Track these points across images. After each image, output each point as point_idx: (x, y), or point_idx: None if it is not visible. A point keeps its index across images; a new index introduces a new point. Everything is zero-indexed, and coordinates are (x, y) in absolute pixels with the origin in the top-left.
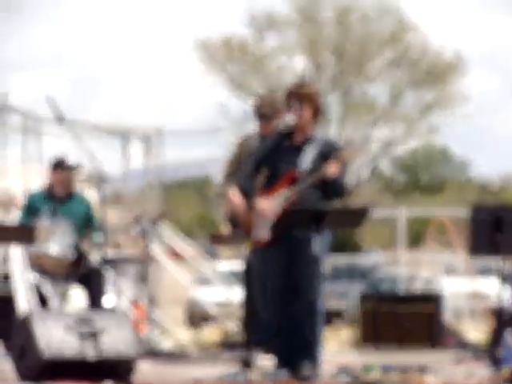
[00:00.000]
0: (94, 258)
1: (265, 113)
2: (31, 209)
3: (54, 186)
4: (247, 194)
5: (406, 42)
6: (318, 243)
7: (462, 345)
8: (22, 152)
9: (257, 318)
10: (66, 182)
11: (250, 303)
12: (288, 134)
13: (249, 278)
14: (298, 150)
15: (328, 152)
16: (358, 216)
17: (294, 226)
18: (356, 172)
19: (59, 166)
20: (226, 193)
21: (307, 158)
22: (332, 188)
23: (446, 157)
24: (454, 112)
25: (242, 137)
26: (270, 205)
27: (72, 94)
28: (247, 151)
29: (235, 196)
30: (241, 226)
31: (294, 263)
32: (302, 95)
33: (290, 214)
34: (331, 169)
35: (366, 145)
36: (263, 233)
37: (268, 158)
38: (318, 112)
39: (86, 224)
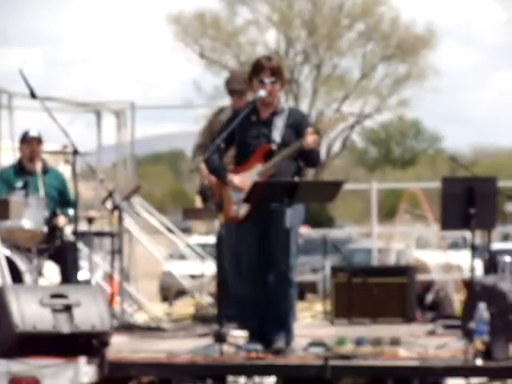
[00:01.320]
0: (67, 232)
1: (236, 88)
2: (4, 182)
3: (22, 160)
4: (216, 170)
5: (378, 16)
6: (291, 216)
7: (435, 317)
8: None
9: (229, 292)
10: (32, 154)
11: (222, 277)
12: (253, 109)
13: (221, 252)
14: (267, 123)
15: (297, 122)
16: (330, 189)
17: (267, 200)
18: (328, 145)
19: (24, 138)
20: (197, 165)
21: (278, 131)
22: (309, 157)
23: (418, 130)
24: (425, 85)
25: (215, 109)
26: (243, 180)
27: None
28: (219, 123)
29: (205, 169)
30: (212, 200)
31: (267, 236)
32: (275, 69)
33: (263, 187)
34: (309, 139)
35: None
36: (238, 209)
37: (237, 133)
38: (283, 84)
39: (59, 198)
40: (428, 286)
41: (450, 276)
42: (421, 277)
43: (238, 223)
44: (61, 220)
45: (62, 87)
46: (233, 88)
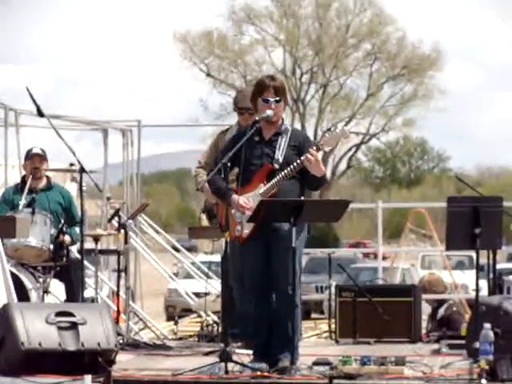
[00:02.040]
0: (74, 249)
1: (244, 107)
2: (7, 202)
3: (26, 177)
4: (219, 191)
5: (384, 35)
6: (296, 236)
7: (440, 336)
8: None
9: (235, 311)
10: (34, 171)
11: (227, 295)
12: (257, 129)
13: (226, 271)
14: (270, 143)
15: (299, 143)
16: (336, 209)
17: (271, 219)
18: (334, 164)
19: (27, 155)
20: (201, 185)
21: (280, 151)
22: (311, 179)
23: (424, 150)
24: (431, 105)
25: (221, 130)
26: (247, 202)
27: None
28: (223, 143)
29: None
30: (217, 219)
31: (272, 255)
32: (280, 89)
33: (268, 206)
34: (310, 153)
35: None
36: (242, 229)
37: (241, 154)
38: (286, 104)
39: (65, 215)
40: (442, 302)
41: (455, 296)
42: (426, 296)
43: (241, 243)
44: (66, 239)
45: (68, 105)
46: (244, 106)
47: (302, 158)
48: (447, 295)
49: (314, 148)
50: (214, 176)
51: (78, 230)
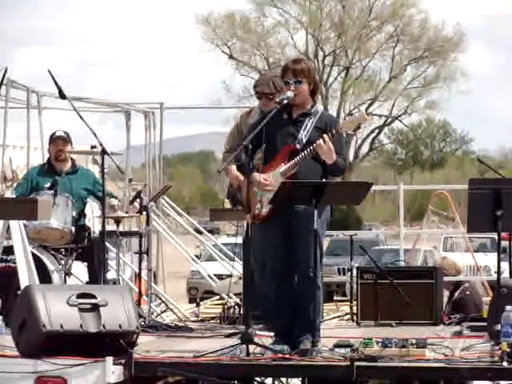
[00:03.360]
0: (95, 231)
1: (265, 91)
2: (32, 184)
3: (50, 160)
4: (245, 169)
5: (407, 18)
6: (317, 218)
7: (462, 318)
8: (26, 128)
9: (256, 293)
10: (58, 154)
11: (249, 278)
12: (286, 109)
13: (248, 253)
14: (296, 123)
15: (326, 125)
16: (358, 191)
17: (293, 200)
18: (356, 146)
19: (50, 138)
20: (226, 167)
21: (305, 132)
22: (328, 167)
23: (446, 132)
24: (453, 87)
25: (243, 112)
26: (267, 179)
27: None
28: (247, 126)
29: (234, 171)
30: (241, 201)
31: (293, 237)
32: (298, 71)
33: (289, 188)
34: (323, 143)
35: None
36: (261, 207)
37: (266, 133)
38: (314, 87)
39: (93, 194)
40: (458, 285)
41: (477, 278)
42: (447, 278)
43: (261, 221)
44: (113, 202)
45: (90, 88)
46: (261, 91)
47: (316, 142)
48: (465, 277)
49: (334, 132)
50: (239, 153)
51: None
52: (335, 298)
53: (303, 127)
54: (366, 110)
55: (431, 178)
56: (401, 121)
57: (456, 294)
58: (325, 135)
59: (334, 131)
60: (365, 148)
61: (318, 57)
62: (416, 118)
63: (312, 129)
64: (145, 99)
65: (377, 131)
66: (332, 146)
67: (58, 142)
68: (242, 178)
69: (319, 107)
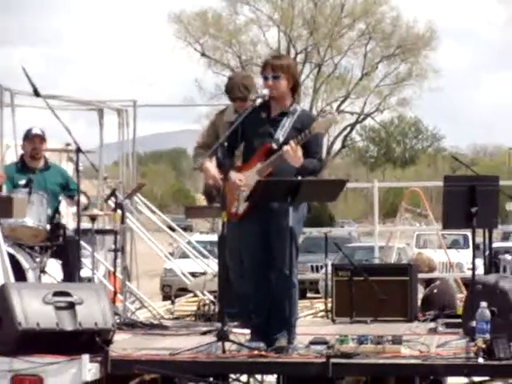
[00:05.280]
0: (70, 229)
1: (236, 96)
2: (9, 180)
3: (24, 157)
4: (223, 167)
5: (379, 15)
6: (293, 215)
7: (437, 315)
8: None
9: (232, 290)
10: (34, 152)
11: (224, 275)
12: (265, 107)
13: (223, 250)
14: (274, 122)
15: (303, 125)
16: (333, 188)
17: (269, 198)
18: (328, 144)
19: (26, 136)
20: (200, 165)
21: (283, 131)
22: (298, 169)
23: (418, 129)
24: (425, 85)
25: (218, 110)
26: (244, 178)
27: (45, 69)
28: (222, 123)
29: (211, 169)
30: (217, 199)
31: (269, 235)
32: (277, 66)
33: (265, 185)
34: (289, 148)
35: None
36: (238, 206)
37: (244, 131)
38: (294, 84)
39: (64, 192)
40: (430, 282)
41: (450, 275)
42: (422, 275)
43: (238, 220)
44: (83, 201)
45: (61, 85)
46: (235, 96)
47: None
48: (438, 274)
49: (306, 133)
50: (215, 151)
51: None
52: (308, 295)
53: (280, 127)
54: (338, 107)
55: (403, 175)
56: (373, 118)
57: (425, 292)
58: (291, 142)
59: (306, 132)
60: (337, 145)
61: (290, 54)
62: (388, 115)
63: (290, 129)
64: (118, 97)
65: (349, 129)
66: (299, 153)
67: (35, 139)
68: (218, 176)
69: (298, 106)
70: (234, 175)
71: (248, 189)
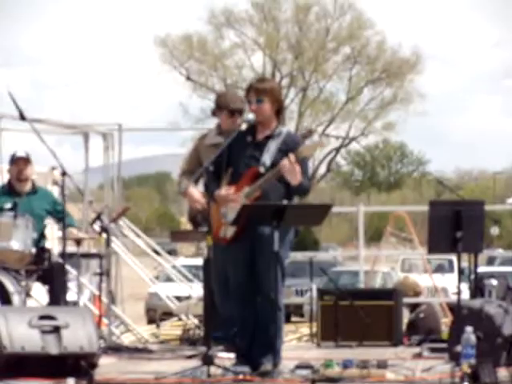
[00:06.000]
0: (55, 253)
1: (239, 108)
2: None
3: (11, 181)
4: (209, 190)
5: (364, 39)
6: (280, 240)
7: (422, 340)
8: None
9: (217, 314)
10: (19, 174)
11: (209, 299)
12: (250, 131)
13: (209, 274)
14: (260, 146)
15: (289, 147)
16: (318, 213)
17: (254, 222)
18: (313, 168)
19: (12, 159)
20: (185, 190)
21: (269, 154)
22: (293, 188)
23: (403, 153)
24: (410, 109)
25: (200, 133)
26: (230, 192)
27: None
28: (204, 148)
29: (195, 193)
30: (202, 224)
31: (254, 258)
32: (261, 90)
33: (251, 209)
34: (287, 163)
35: (323, 139)
36: (226, 230)
37: (230, 155)
38: (278, 107)
39: (53, 215)
40: (415, 306)
41: (435, 299)
42: (407, 299)
43: (226, 244)
44: (73, 232)
45: (46, 109)
46: (235, 107)
47: (279, 164)
48: (424, 299)
49: (294, 157)
50: (199, 176)
51: (72, 220)
52: (293, 319)
53: (266, 150)
54: (324, 131)
55: (388, 200)
56: (358, 142)
57: (410, 316)
58: (291, 154)
59: (295, 154)
60: (322, 169)
61: (275, 78)
62: (373, 139)
63: (276, 151)
64: (103, 120)
65: (334, 152)
66: (297, 167)
67: (20, 162)
68: (202, 200)
69: (284, 128)
70: (222, 190)
71: (235, 210)
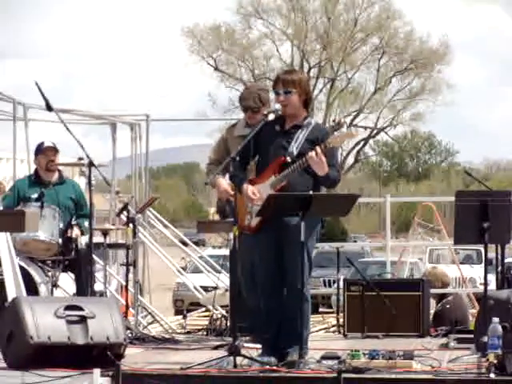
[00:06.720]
0: (83, 243)
1: (250, 106)
2: (18, 195)
3: (38, 171)
4: (236, 180)
5: (392, 30)
6: (307, 230)
7: (448, 330)
8: (12, 140)
9: (244, 305)
10: (48, 164)
11: (236, 289)
12: (279, 120)
13: (235, 264)
14: (288, 135)
15: (317, 138)
16: (345, 203)
17: (280, 212)
18: (341, 158)
19: (39, 149)
20: (214, 180)
21: (296, 144)
22: (320, 179)
23: (431, 144)
24: (439, 99)
25: (228, 125)
26: (256, 193)
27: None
28: (233, 138)
29: (223, 183)
30: (230, 216)
31: (282, 249)
32: (289, 81)
33: (276, 200)
34: (314, 154)
35: (352, 130)
36: (251, 218)
37: (258, 144)
38: (306, 98)
39: (75, 208)
40: (443, 297)
41: (463, 290)
42: (434, 290)
43: (251, 233)
44: (75, 231)
45: (75, 100)
46: (247, 105)
47: (306, 154)
48: (451, 290)
49: (324, 145)
50: (227, 165)
51: (87, 222)
52: (321, 309)
53: (294, 139)
54: (352, 121)
55: (416, 190)
56: (386, 133)
57: (437, 307)
58: (317, 147)
59: (325, 144)
60: (350, 160)
61: (304, 69)
62: (401, 129)
63: (303, 141)
64: (131, 111)
65: (362, 143)
66: (323, 158)
67: (49, 152)
68: (230, 190)
69: (312, 119)
70: (247, 188)
71: (261, 202)
